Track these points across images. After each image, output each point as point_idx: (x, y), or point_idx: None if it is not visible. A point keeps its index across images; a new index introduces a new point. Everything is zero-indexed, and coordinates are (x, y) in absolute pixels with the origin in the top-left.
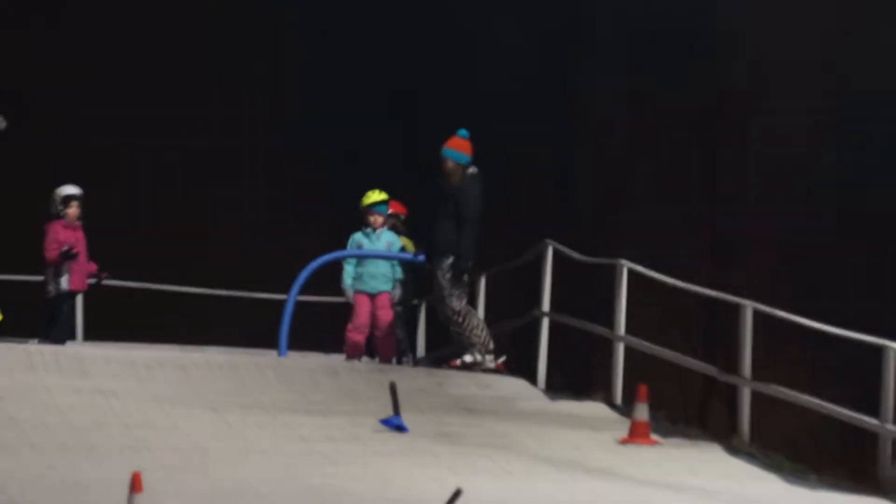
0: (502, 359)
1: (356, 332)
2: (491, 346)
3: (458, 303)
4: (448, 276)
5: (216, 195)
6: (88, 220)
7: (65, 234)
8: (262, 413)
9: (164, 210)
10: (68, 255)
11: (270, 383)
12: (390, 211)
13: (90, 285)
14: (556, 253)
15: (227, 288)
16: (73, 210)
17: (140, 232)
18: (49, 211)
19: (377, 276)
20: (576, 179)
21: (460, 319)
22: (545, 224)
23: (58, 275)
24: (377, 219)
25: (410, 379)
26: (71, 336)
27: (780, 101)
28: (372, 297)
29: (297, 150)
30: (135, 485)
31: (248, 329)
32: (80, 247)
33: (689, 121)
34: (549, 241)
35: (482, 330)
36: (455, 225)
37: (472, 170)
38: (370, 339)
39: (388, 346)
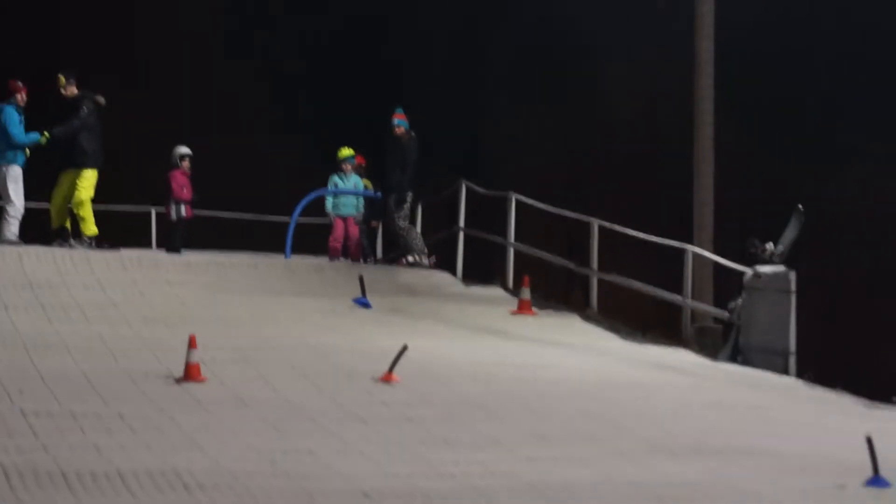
0: (433, 258)
1: (335, 242)
2: (426, 250)
3: (402, 222)
4: (394, 203)
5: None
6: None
7: (181, 179)
8: (275, 295)
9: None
10: (193, 203)
11: (280, 276)
12: (356, 162)
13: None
14: (467, 188)
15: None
16: (186, 163)
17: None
18: (170, 163)
19: (348, 205)
20: (481, 137)
21: (404, 233)
22: (461, 169)
23: (178, 206)
24: (347, 167)
25: (372, 273)
26: (181, 247)
27: None
28: (344, 218)
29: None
30: (191, 342)
31: (265, 240)
32: (190, 187)
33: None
34: (463, 179)
35: (419, 240)
36: (400, 170)
37: (412, 133)
38: (344, 246)
39: (357, 250)
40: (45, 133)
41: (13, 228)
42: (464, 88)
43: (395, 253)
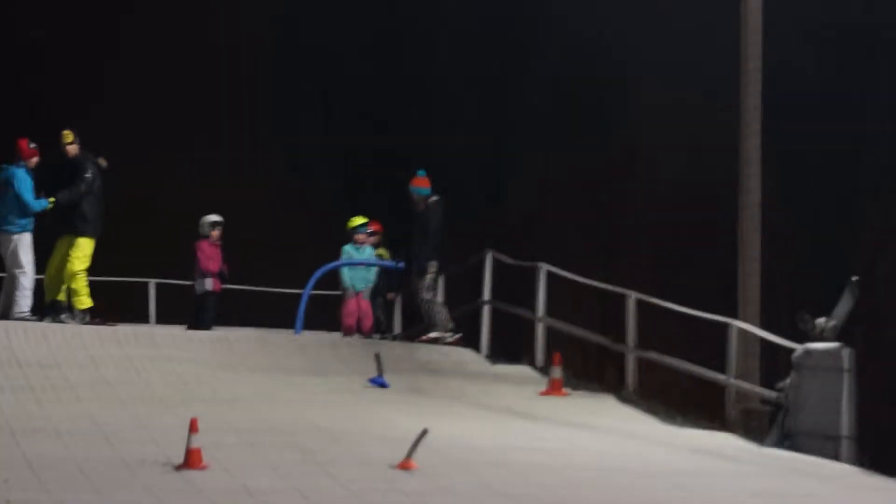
0: (458, 335)
1: (349, 318)
2: (450, 325)
3: (426, 293)
4: (416, 273)
5: (251, 225)
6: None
7: (209, 249)
8: (284, 374)
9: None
10: (222, 276)
11: (290, 353)
12: (370, 229)
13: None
14: (494, 258)
15: (257, 285)
16: (216, 233)
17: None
18: (199, 232)
19: (361, 279)
20: (506, 204)
21: (427, 306)
22: (485, 238)
23: (203, 279)
24: (360, 237)
25: (390, 349)
26: (212, 323)
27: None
28: (357, 293)
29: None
30: (192, 426)
31: (273, 315)
32: (219, 259)
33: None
34: (489, 250)
35: (444, 314)
36: (421, 239)
37: (434, 198)
38: (357, 321)
39: (369, 326)
40: (51, 199)
41: (27, 301)
42: (489, 149)
43: (415, 328)
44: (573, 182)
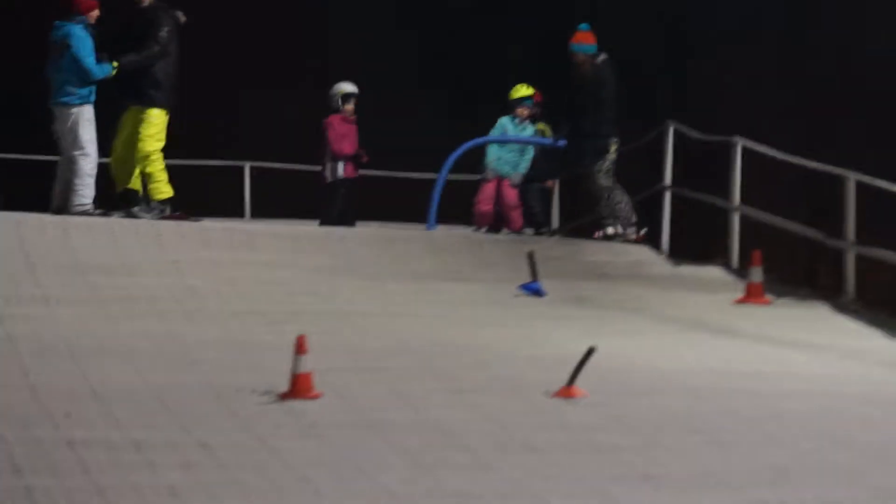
0: (644, 230)
1: (484, 205)
2: (634, 219)
3: (605, 180)
4: (590, 154)
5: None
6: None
7: (342, 127)
8: (413, 281)
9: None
10: (358, 159)
11: (421, 254)
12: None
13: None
14: (676, 133)
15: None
16: (350, 106)
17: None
18: (329, 105)
19: (508, 161)
20: (693, 65)
21: (607, 195)
22: (664, 107)
23: (335, 163)
24: (524, 111)
25: (547, 248)
26: (350, 218)
27: None
28: (500, 178)
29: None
30: (300, 346)
31: (401, 205)
32: (354, 138)
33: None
34: (670, 121)
35: (626, 204)
36: (594, 109)
37: (601, 57)
38: (501, 214)
39: (516, 219)
40: (115, 63)
41: (90, 191)
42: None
43: (586, 220)
44: (774, 46)
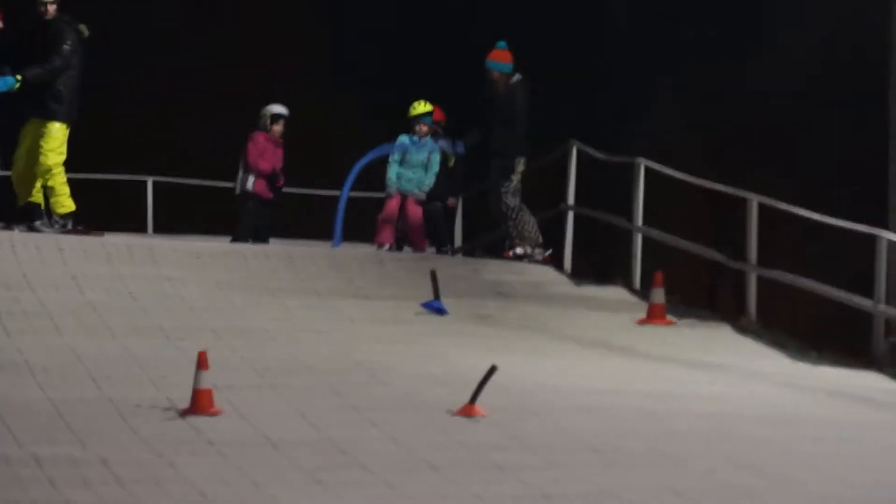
0: (549, 252)
1: (385, 221)
2: (540, 240)
3: (512, 199)
4: (499, 172)
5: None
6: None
7: (264, 145)
8: (315, 298)
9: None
10: (274, 180)
11: (323, 271)
12: (433, 119)
13: (273, 193)
14: (580, 153)
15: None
16: (279, 128)
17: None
18: (256, 123)
19: (411, 179)
20: (597, 85)
21: (514, 215)
22: (569, 126)
23: (245, 175)
24: (422, 128)
25: (449, 267)
26: (250, 236)
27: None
28: (403, 195)
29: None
30: (201, 362)
31: (301, 223)
32: (275, 159)
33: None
34: (573, 140)
35: (533, 225)
36: (503, 127)
37: (516, 77)
38: (405, 233)
39: (419, 238)
40: (18, 76)
41: None
42: (581, 20)
43: (489, 239)
44: (678, 67)
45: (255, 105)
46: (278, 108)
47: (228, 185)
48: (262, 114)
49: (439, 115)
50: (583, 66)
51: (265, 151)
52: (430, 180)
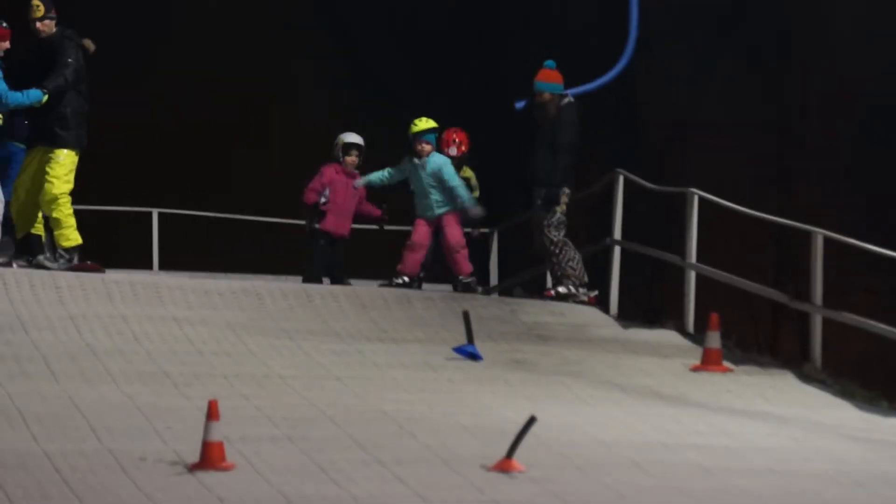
0: (595, 293)
1: (413, 250)
2: (585, 278)
3: (555, 233)
4: (543, 204)
5: (276, 129)
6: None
7: (335, 178)
8: (337, 341)
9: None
10: (316, 209)
11: (344, 310)
12: (454, 137)
13: (380, 227)
14: (626, 182)
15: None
16: (352, 159)
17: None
18: (329, 154)
19: (431, 203)
20: (642, 109)
21: (557, 251)
22: (614, 155)
23: (311, 214)
24: (424, 147)
25: (483, 307)
26: (319, 277)
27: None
28: (429, 220)
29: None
30: (211, 412)
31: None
32: (347, 192)
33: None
34: (619, 170)
35: (577, 262)
36: (550, 155)
37: (567, 99)
38: (442, 262)
39: (462, 261)
40: (44, 90)
41: None
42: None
43: (528, 276)
44: (731, 92)
45: (277, 136)
46: (352, 137)
47: (242, 217)
48: (334, 143)
49: (462, 136)
50: (627, 90)
51: (334, 184)
52: (462, 195)
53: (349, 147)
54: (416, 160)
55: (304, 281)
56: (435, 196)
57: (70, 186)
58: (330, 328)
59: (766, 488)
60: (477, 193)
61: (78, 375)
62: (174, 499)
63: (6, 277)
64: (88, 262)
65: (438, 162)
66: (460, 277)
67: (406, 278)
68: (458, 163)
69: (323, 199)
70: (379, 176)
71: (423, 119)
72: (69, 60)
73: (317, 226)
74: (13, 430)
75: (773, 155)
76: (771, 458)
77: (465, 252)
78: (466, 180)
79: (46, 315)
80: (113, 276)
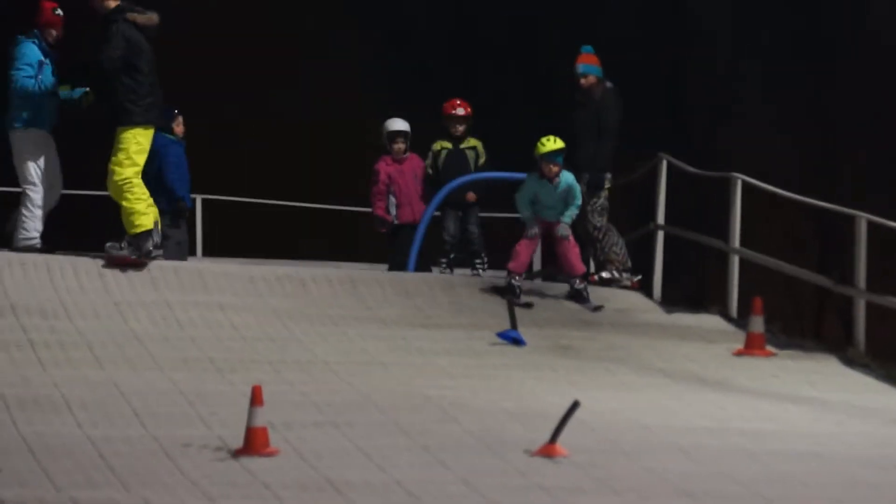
0: (638, 277)
1: (522, 247)
2: (628, 263)
3: (598, 219)
4: (588, 191)
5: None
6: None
7: (387, 172)
8: (381, 327)
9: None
10: (383, 223)
11: (388, 297)
12: (461, 111)
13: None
14: (670, 168)
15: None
16: (399, 146)
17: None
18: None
19: (552, 214)
20: (685, 94)
21: (600, 236)
22: (658, 140)
23: (384, 222)
24: (552, 169)
25: (527, 294)
26: (404, 266)
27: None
28: (549, 224)
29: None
30: (255, 398)
31: (367, 245)
32: (406, 179)
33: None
34: (662, 154)
35: (621, 248)
36: (592, 140)
37: (609, 84)
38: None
39: (575, 259)
40: (89, 90)
41: (32, 225)
42: (664, 26)
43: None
44: (777, 77)
45: (307, 122)
46: (397, 124)
47: (285, 203)
48: (382, 133)
49: (465, 106)
50: (671, 73)
51: (392, 178)
52: (575, 214)
53: (393, 135)
54: (544, 181)
55: (390, 269)
56: (559, 209)
57: (135, 169)
58: (374, 314)
59: (810, 473)
60: (483, 160)
61: (123, 362)
62: (218, 485)
63: (51, 265)
64: (157, 250)
65: (569, 181)
66: (574, 281)
67: (518, 276)
68: (463, 133)
69: (392, 210)
70: (522, 211)
71: (552, 138)
72: (114, 40)
73: (396, 221)
74: (59, 417)
75: (818, 140)
76: (815, 442)
77: (577, 250)
78: (473, 149)
79: (91, 302)
80: (157, 262)
